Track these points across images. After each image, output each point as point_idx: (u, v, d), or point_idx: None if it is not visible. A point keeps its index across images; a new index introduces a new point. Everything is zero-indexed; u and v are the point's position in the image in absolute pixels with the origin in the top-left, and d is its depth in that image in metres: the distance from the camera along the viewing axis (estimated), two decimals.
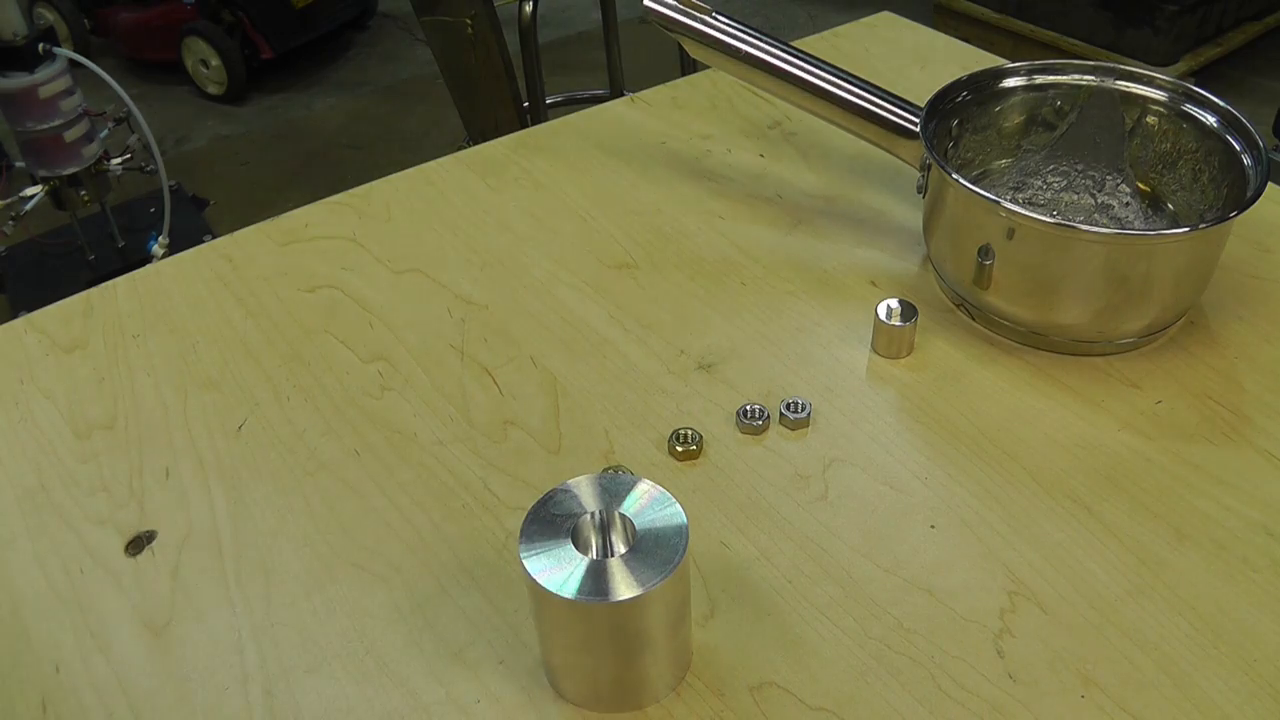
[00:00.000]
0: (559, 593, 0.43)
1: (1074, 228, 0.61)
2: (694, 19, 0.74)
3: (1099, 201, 0.74)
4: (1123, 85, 0.72)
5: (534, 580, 0.43)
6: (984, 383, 0.64)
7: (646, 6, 0.75)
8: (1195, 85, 0.70)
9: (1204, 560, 0.54)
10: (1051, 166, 0.75)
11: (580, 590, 0.43)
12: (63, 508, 0.59)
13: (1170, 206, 0.73)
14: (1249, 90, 2.62)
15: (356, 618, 0.52)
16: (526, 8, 1.71)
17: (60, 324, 0.71)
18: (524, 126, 1.24)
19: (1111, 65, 0.73)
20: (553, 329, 0.69)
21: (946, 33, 1.06)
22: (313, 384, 0.66)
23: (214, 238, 0.86)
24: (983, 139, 0.75)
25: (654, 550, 0.44)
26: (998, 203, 0.62)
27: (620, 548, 0.47)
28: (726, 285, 0.73)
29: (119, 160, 1.94)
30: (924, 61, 0.98)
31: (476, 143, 0.91)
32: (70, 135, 1.82)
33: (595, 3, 1.96)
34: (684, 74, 1.31)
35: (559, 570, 0.44)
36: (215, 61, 2.73)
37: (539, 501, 0.47)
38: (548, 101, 1.89)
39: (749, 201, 0.81)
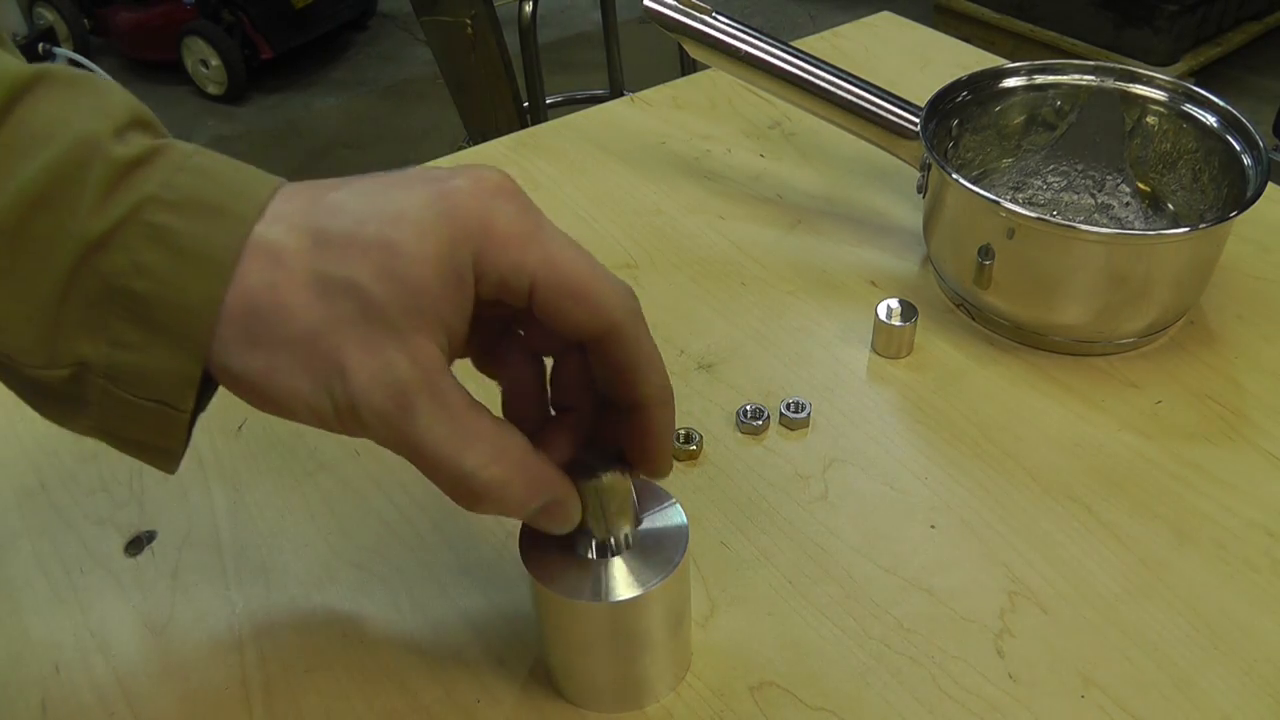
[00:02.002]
0: (559, 593, 0.43)
1: (1074, 228, 0.61)
2: (694, 19, 0.74)
3: (1099, 201, 0.74)
4: (1123, 85, 0.72)
5: (534, 580, 0.43)
6: (984, 383, 0.64)
7: (646, 6, 0.75)
8: (1195, 85, 0.70)
9: (1204, 560, 0.54)
10: (1051, 166, 0.75)
11: (580, 590, 0.43)
12: (63, 508, 0.59)
13: (1170, 206, 0.73)
14: (1249, 90, 2.62)
15: (356, 618, 0.52)
16: (526, 8, 1.72)
17: None
18: (524, 126, 1.24)
19: (1111, 65, 0.73)
20: None
21: (946, 33, 1.06)
22: None
23: None
24: (983, 139, 0.75)
25: (654, 550, 0.44)
26: (998, 203, 0.62)
27: (620, 548, 0.47)
28: (726, 285, 0.72)
29: None
30: (924, 61, 0.98)
31: (476, 143, 0.91)
32: None
33: (595, 3, 1.96)
34: (684, 74, 1.31)
35: (559, 570, 0.44)
36: (215, 61, 2.74)
37: None
38: (548, 101, 1.89)
39: (749, 201, 0.81)
